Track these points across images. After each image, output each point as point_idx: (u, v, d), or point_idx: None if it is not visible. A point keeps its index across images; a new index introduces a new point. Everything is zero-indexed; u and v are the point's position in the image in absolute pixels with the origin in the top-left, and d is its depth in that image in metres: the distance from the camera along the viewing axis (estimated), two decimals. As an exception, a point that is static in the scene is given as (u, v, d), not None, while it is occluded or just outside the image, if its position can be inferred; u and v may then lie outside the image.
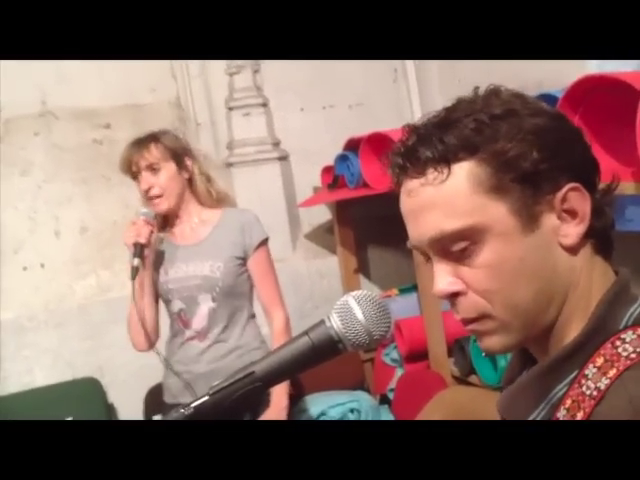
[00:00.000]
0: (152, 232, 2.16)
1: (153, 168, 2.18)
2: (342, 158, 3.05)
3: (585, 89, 1.70)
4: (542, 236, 0.76)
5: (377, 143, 2.76)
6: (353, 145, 3.00)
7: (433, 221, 0.76)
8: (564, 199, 0.76)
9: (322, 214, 3.54)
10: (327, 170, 3.23)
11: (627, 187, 1.51)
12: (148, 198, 2.21)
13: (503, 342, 0.78)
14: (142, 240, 2.12)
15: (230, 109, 3.39)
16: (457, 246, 0.76)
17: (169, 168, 2.20)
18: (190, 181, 2.26)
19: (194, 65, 3.39)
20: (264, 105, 3.41)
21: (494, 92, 0.79)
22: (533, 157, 0.74)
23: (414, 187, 0.77)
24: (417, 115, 3.46)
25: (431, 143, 0.75)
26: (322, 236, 3.56)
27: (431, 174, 0.75)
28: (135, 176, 2.22)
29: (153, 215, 2.19)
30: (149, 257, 2.18)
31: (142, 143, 2.21)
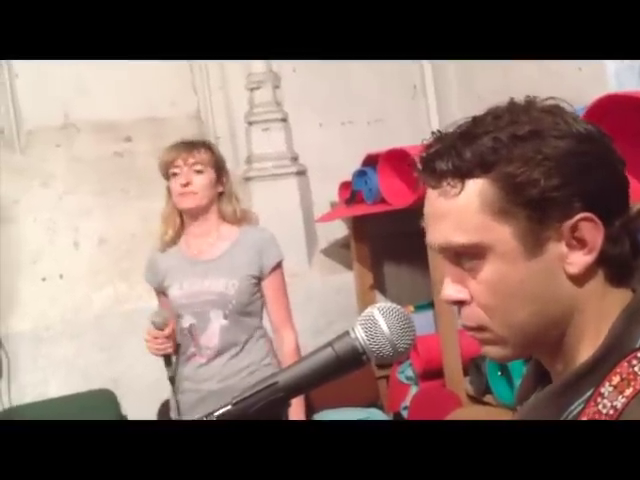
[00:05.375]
0: (172, 339, 2.19)
1: (197, 169, 2.22)
2: (360, 174, 3.06)
3: (606, 107, 1.70)
4: (545, 262, 0.75)
5: (395, 159, 2.77)
6: (371, 161, 3.01)
7: (443, 231, 0.77)
8: (575, 228, 0.74)
9: (339, 230, 3.54)
10: (345, 185, 3.24)
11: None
12: (181, 194, 2.21)
13: (501, 353, 0.80)
14: (169, 351, 2.18)
15: (250, 124, 3.41)
16: (464, 258, 0.77)
17: (210, 175, 2.24)
18: (220, 196, 2.28)
19: (215, 79, 3.42)
20: (283, 120, 3.43)
21: (526, 108, 0.77)
22: (542, 184, 0.73)
23: (431, 196, 0.78)
24: (436, 132, 3.45)
25: (449, 156, 0.75)
26: (338, 252, 3.55)
27: (446, 186, 0.76)
28: (173, 174, 2.23)
29: (165, 320, 2.19)
30: (174, 336, 2.22)
31: (194, 144, 2.26)
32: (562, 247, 0.75)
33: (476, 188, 0.75)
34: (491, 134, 0.75)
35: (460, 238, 0.76)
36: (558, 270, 0.76)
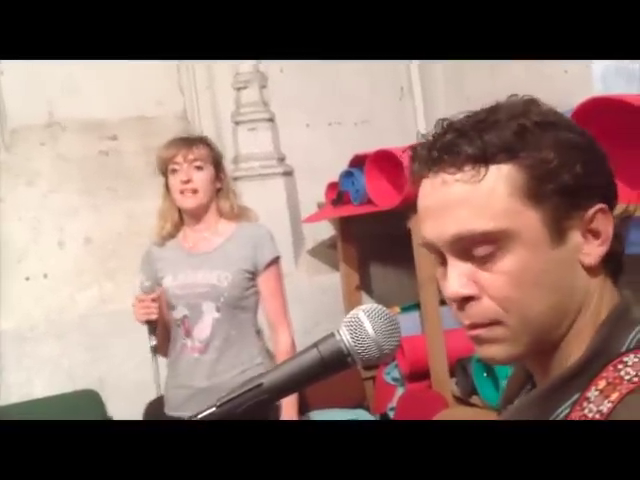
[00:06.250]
0: (159, 303, 2.20)
1: (197, 166, 2.22)
2: (347, 174, 3.06)
3: (592, 110, 1.71)
4: (566, 251, 0.75)
5: (382, 160, 2.77)
6: (358, 162, 3.01)
7: (462, 218, 0.74)
8: (592, 218, 0.75)
9: (325, 230, 3.54)
10: (332, 186, 3.24)
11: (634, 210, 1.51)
12: (181, 191, 2.22)
13: (507, 352, 0.76)
14: (153, 317, 2.17)
15: (236, 123, 3.40)
16: (481, 248, 0.74)
17: (210, 171, 2.25)
18: (218, 192, 2.29)
19: (201, 79, 3.41)
20: (270, 120, 3.42)
21: (532, 101, 0.78)
22: (576, 171, 0.73)
23: (448, 181, 0.74)
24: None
25: (472, 140, 0.73)
26: (325, 252, 3.55)
27: (469, 171, 0.73)
28: (172, 171, 2.23)
29: (154, 284, 2.23)
30: (162, 309, 2.23)
31: (192, 140, 2.27)
32: (579, 237, 0.75)
33: (501, 173, 0.73)
34: (514, 120, 0.74)
35: (486, 224, 0.73)
36: (575, 261, 0.76)
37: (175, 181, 2.23)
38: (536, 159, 0.73)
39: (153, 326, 2.19)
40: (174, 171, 2.23)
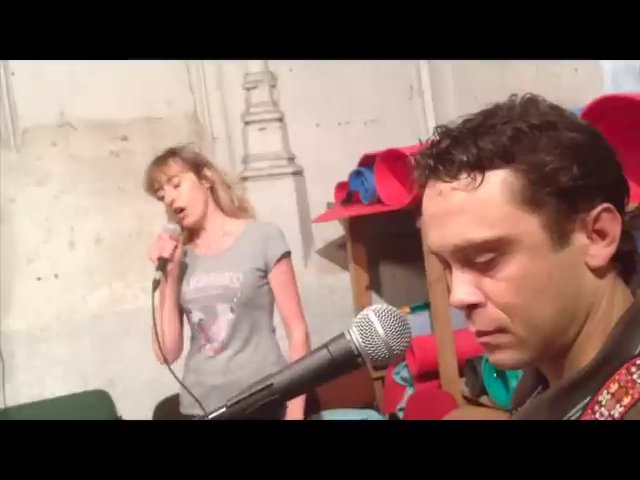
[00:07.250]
0: (176, 247, 2.20)
1: (173, 182, 2.22)
2: (356, 174, 3.06)
3: (603, 109, 1.70)
4: (570, 254, 0.73)
5: (392, 159, 2.76)
6: (368, 161, 3.01)
7: (460, 228, 0.73)
8: (597, 219, 0.73)
9: (335, 230, 3.54)
10: (341, 186, 3.24)
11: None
12: (173, 212, 2.24)
13: (515, 358, 0.76)
14: (166, 254, 2.16)
15: (246, 123, 3.41)
16: (482, 256, 0.73)
17: (189, 179, 2.24)
18: (212, 190, 2.29)
19: (211, 79, 3.41)
20: (280, 120, 3.43)
21: (532, 101, 0.76)
22: (573, 172, 0.71)
23: (444, 190, 0.74)
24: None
25: (466, 147, 0.72)
26: (334, 252, 3.55)
27: (464, 179, 0.72)
28: (160, 195, 2.26)
29: (178, 231, 2.23)
30: (172, 271, 2.21)
31: (160, 160, 2.25)
32: (584, 239, 0.74)
33: (497, 179, 0.72)
34: (509, 124, 0.73)
35: (483, 233, 0.72)
36: (580, 264, 0.74)
37: (165, 205, 2.25)
38: (532, 163, 0.72)
39: (162, 263, 2.15)
40: (161, 197, 2.25)
